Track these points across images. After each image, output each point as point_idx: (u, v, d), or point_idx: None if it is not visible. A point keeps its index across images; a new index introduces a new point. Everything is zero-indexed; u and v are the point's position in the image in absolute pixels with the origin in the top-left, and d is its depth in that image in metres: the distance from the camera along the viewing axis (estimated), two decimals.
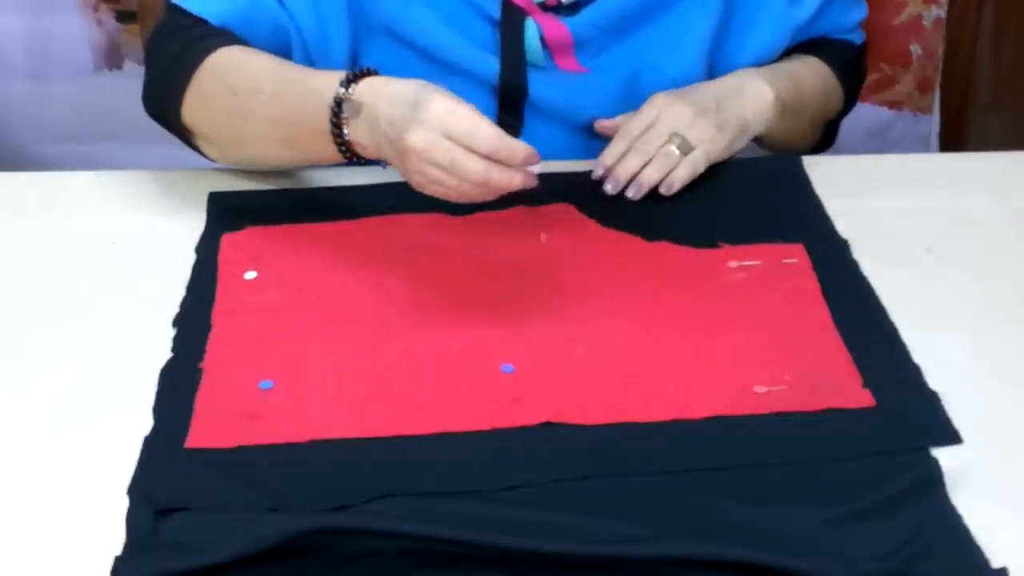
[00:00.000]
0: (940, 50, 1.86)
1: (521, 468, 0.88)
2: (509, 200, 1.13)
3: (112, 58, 1.88)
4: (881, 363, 0.98)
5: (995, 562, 0.81)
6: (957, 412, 0.93)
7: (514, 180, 1.00)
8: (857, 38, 1.38)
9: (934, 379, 0.96)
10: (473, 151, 0.98)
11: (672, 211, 1.17)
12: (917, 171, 1.29)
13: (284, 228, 1.15)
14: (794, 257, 1.11)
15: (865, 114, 1.84)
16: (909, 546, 0.81)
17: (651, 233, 1.13)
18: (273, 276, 1.09)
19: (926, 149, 1.90)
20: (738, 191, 1.21)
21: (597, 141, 1.24)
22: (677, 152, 1.16)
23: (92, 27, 1.86)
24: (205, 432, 0.91)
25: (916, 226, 1.17)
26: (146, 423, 0.93)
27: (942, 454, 0.89)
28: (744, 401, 0.94)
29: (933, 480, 0.87)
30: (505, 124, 1.19)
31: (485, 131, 0.99)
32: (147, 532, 0.83)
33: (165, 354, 1.00)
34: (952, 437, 0.91)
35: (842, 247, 1.13)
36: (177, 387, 0.96)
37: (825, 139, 1.40)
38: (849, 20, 1.36)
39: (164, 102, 1.19)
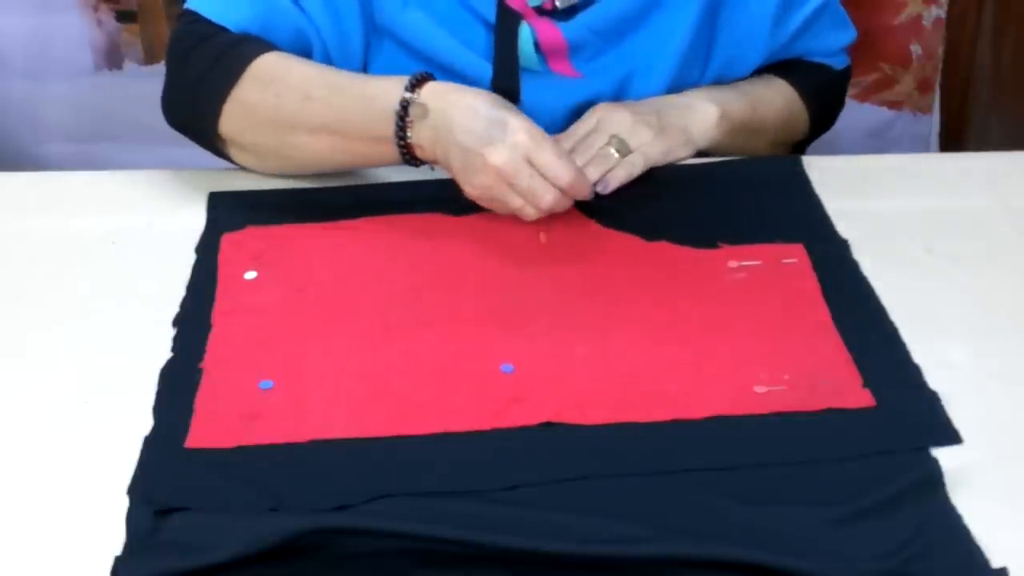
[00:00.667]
0: (940, 50, 1.86)
1: (521, 468, 0.88)
2: None
3: (112, 58, 1.88)
4: (881, 363, 0.98)
5: (995, 562, 0.80)
6: (957, 412, 0.93)
7: (570, 208, 1.11)
8: (838, 63, 1.37)
9: (934, 379, 0.96)
10: (548, 181, 1.07)
11: (672, 211, 1.17)
12: (917, 171, 1.29)
13: (284, 228, 1.15)
14: (794, 257, 1.11)
15: (865, 114, 1.84)
16: (909, 546, 0.81)
17: (651, 233, 1.13)
18: (273, 276, 1.09)
19: (926, 149, 1.90)
20: (738, 191, 1.21)
21: None
22: (616, 154, 1.18)
23: (92, 27, 1.86)
24: (205, 432, 0.91)
25: (916, 226, 1.17)
26: (146, 423, 0.93)
27: (942, 454, 0.89)
28: (744, 401, 0.94)
29: (933, 480, 0.87)
30: None
31: (565, 165, 1.08)
32: (147, 532, 0.83)
33: (165, 354, 1.00)
34: (952, 437, 0.91)
35: (842, 247, 1.13)
36: (177, 387, 0.96)
37: (818, 130, 1.40)
38: (832, 44, 1.35)
39: (196, 112, 1.18)
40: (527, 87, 1.23)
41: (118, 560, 0.80)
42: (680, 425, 0.92)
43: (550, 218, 1.13)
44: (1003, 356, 1.00)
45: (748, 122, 1.28)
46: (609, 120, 1.20)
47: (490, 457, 0.89)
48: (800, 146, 1.39)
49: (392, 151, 1.13)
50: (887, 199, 1.22)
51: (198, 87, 1.18)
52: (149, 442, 0.91)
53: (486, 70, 1.22)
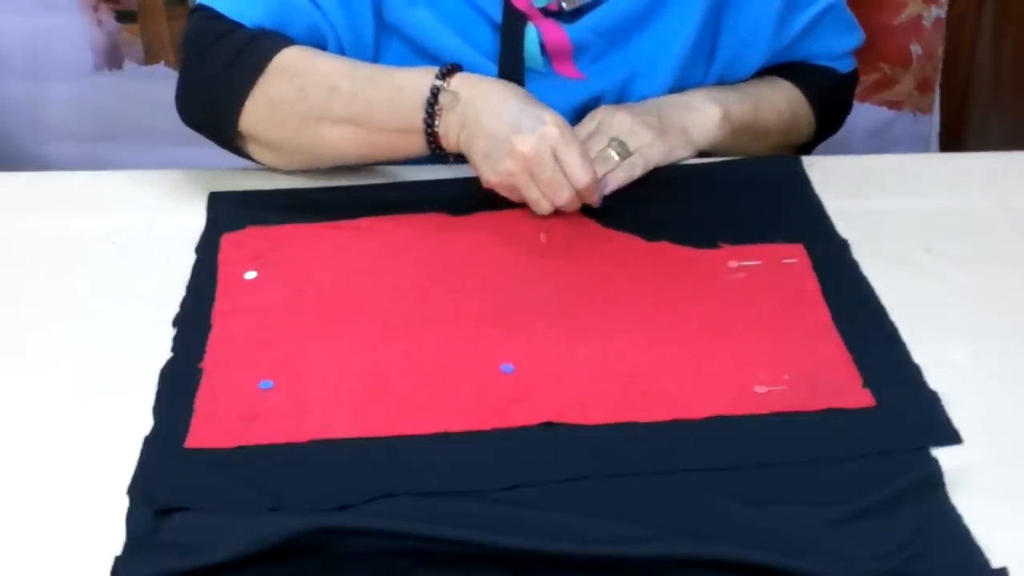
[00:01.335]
0: (940, 50, 1.86)
1: (521, 468, 0.88)
2: (509, 200, 1.14)
3: (112, 58, 1.88)
4: (881, 363, 0.98)
5: (995, 562, 0.80)
6: (957, 412, 0.93)
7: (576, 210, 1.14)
8: (844, 66, 1.37)
9: (934, 379, 0.96)
10: (568, 179, 1.09)
11: (672, 211, 1.17)
12: (917, 171, 1.29)
13: (284, 228, 1.15)
14: (794, 257, 1.11)
15: (865, 114, 1.84)
16: (909, 546, 0.81)
17: (651, 233, 1.13)
18: (273, 276, 1.09)
19: (926, 149, 1.90)
20: (738, 191, 1.21)
21: None
22: (616, 156, 1.18)
23: (92, 27, 1.86)
24: (205, 432, 0.91)
25: (916, 226, 1.17)
26: (146, 423, 0.93)
27: (942, 454, 0.89)
28: (744, 401, 0.94)
29: (933, 480, 0.87)
30: None
31: (588, 168, 1.10)
32: (147, 532, 0.83)
33: (165, 354, 1.00)
34: (952, 437, 0.91)
35: (842, 247, 1.13)
36: (177, 387, 0.96)
37: (823, 132, 1.39)
38: (837, 47, 1.35)
39: (216, 109, 1.18)
40: (530, 87, 1.23)
41: (118, 560, 0.80)
42: (680, 425, 0.92)
43: (551, 218, 1.14)
44: (1003, 356, 1.00)
45: (750, 123, 1.28)
46: (609, 122, 1.20)
47: (490, 457, 0.89)
48: (805, 149, 1.38)
49: (419, 141, 1.14)
50: (887, 199, 1.22)
51: (217, 84, 1.17)
52: (149, 442, 0.91)
53: (491, 70, 1.23)
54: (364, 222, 1.16)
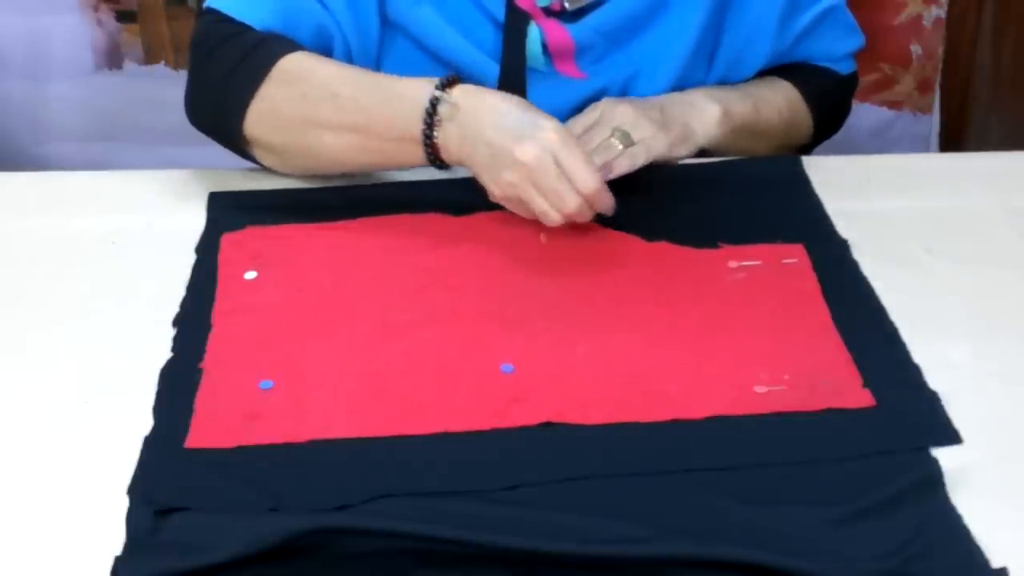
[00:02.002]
0: (940, 50, 1.86)
1: (521, 468, 0.88)
2: None
3: (112, 58, 1.88)
4: (881, 363, 0.98)
5: (995, 562, 0.81)
6: (957, 412, 0.93)
7: (588, 220, 1.10)
8: (844, 68, 1.37)
9: (934, 379, 0.96)
10: (574, 185, 1.06)
11: (672, 211, 1.17)
12: (917, 171, 1.29)
13: (284, 228, 1.15)
14: (794, 257, 1.11)
15: (865, 114, 1.84)
16: (909, 546, 0.81)
17: (651, 233, 1.13)
18: (273, 276, 1.09)
19: (926, 149, 1.90)
20: (738, 191, 1.21)
21: None
22: (619, 145, 1.17)
23: (92, 27, 1.86)
24: (205, 432, 0.91)
25: (916, 226, 1.17)
26: (146, 423, 0.93)
27: (942, 454, 0.89)
28: (744, 401, 0.94)
29: (933, 480, 0.87)
30: None
31: (592, 173, 1.07)
32: (147, 532, 0.83)
33: (165, 354, 1.00)
34: (952, 437, 0.91)
35: (842, 247, 1.13)
36: (177, 387, 0.96)
37: (822, 134, 1.40)
38: (838, 49, 1.35)
39: (222, 112, 1.18)
40: (532, 87, 1.23)
41: (118, 560, 0.80)
42: (680, 425, 0.92)
43: None
44: (1003, 356, 1.00)
45: (750, 122, 1.27)
46: (611, 114, 1.19)
47: (490, 457, 0.89)
48: (804, 150, 1.38)
49: (417, 151, 1.12)
50: (887, 199, 1.22)
51: (222, 88, 1.17)
52: (149, 442, 0.91)
53: (493, 69, 1.23)
54: (364, 222, 1.16)
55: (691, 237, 1.13)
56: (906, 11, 1.83)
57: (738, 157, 1.26)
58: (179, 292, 1.07)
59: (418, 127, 1.11)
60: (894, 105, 1.89)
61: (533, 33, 1.22)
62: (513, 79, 1.23)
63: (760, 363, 0.98)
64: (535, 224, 1.13)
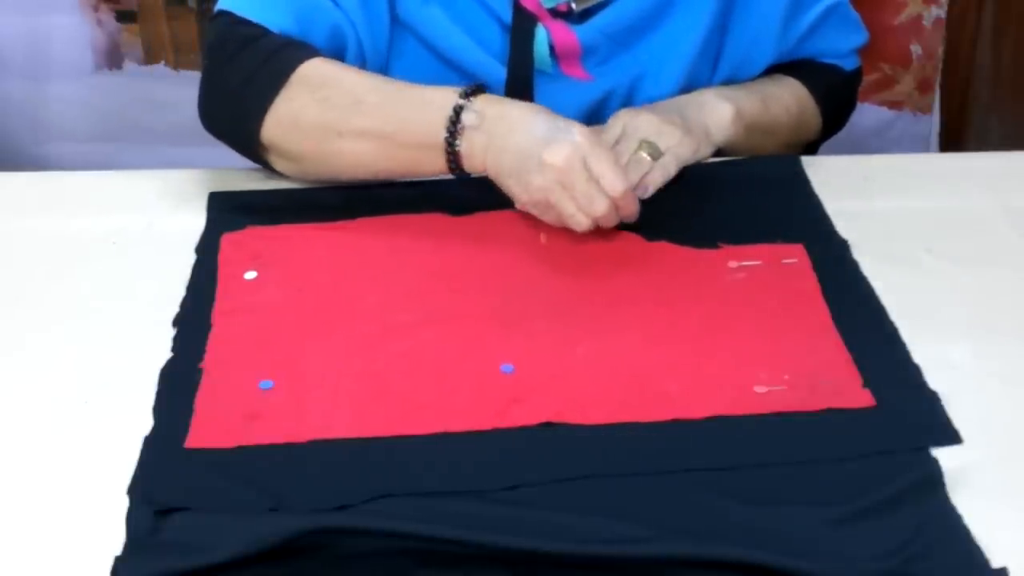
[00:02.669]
0: (940, 50, 1.86)
1: (521, 468, 0.88)
2: (509, 200, 1.13)
3: (112, 58, 1.88)
4: (881, 363, 0.98)
5: (995, 562, 0.81)
6: (957, 412, 0.93)
7: (611, 225, 1.10)
8: (848, 64, 1.37)
9: (934, 379, 0.96)
10: (602, 188, 1.06)
11: (672, 211, 1.17)
12: (917, 171, 1.29)
13: (284, 228, 1.15)
14: (794, 257, 1.11)
15: (865, 114, 1.84)
16: (909, 546, 0.81)
17: (651, 233, 1.13)
18: (273, 276, 1.09)
19: (926, 149, 1.90)
20: (738, 191, 1.21)
21: None
22: (648, 158, 1.16)
23: (92, 27, 1.86)
24: (205, 432, 0.91)
25: (916, 226, 1.17)
26: (146, 423, 0.93)
27: (942, 454, 0.89)
28: (744, 401, 0.94)
29: (933, 480, 0.87)
30: None
31: (620, 176, 1.07)
32: (147, 532, 0.83)
33: (165, 354, 1.00)
34: (952, 437, 0.91)
35: (842, 247, 1.13)
36: (177, 387, 0.96)
37: (829, 130, 1.40)
38: (842, 45, 1.35)
39: (239, 117, 1.16)
40: (539, 89, 1.23)
41: (118, 560, 0.80)
42: (680, 425, 0.92)
43: None
44: (1003, 356, 1.00)
45: (761, 120, 1.27)
46: (635, 125, 1.18)
47: (490, 457, 0.89)
48: (812, 147, 1.39)
49: (439, 159, 1.11)
50: (887, 199, 1.22)
51: (240, 93, 1.16)
52: (149, 442, 0.91)
53: (499, 72, 1.23)
54: (364, 222, 1.16)
55: (691, 237, 1.13)
56: (906, 11, 1.83)
57: (739, 157, 1.26)
58: (179, 292, 1.07)
59: (441, 134, 1.10)
60: (894, 105, 1.89)
61: (540, 35, 1.22)
62: (520, 81, 1.23)
63: (760, 363, 0.98)
64: (535, 224, 1.13)
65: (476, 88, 1.12)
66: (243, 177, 1.24)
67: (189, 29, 1.86)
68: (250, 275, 1.09)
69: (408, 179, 1.18)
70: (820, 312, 1.04)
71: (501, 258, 1.11)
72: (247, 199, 1.21)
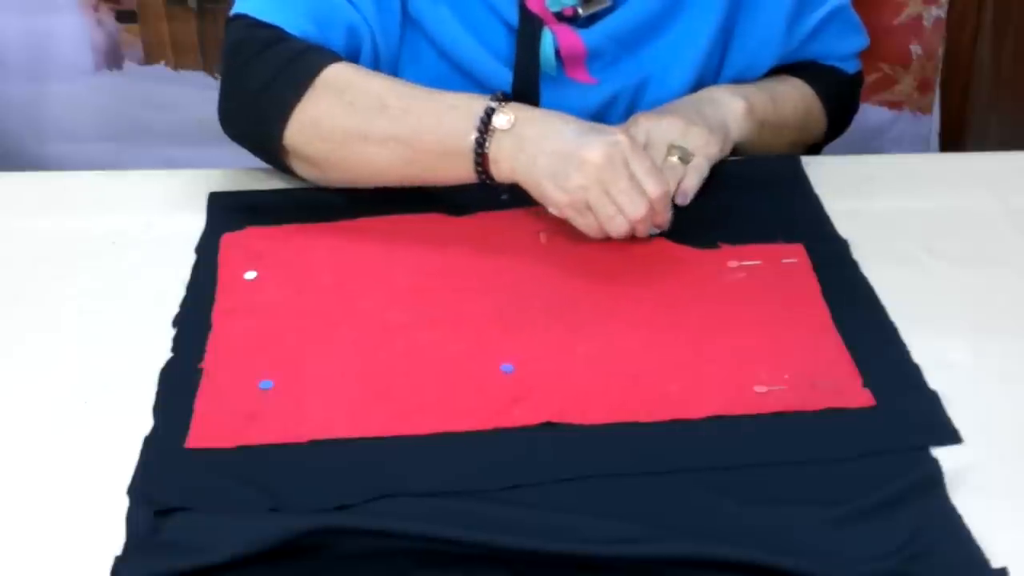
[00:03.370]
0: (940, 50, 1.86)
1: (521, 468, 0.88)
2: (508, 201, 1.14)
3: (112, 58, 1.88)
4: (881, 363, 0.98)
5: (995, 562, 0.81)
6: (957, 412, 0.93)
7: (645, 235, 1.10)
8: (850, 67, 1.37)
9: (934, 379, 0.96)
10: (643, 189, 1.05)
11: (672, 211, 1.17)
12: (917, 171, 1.29)
13: (284, 228, 1.15)
14: (794, 257, 1.11)
15: (865, 114, 1.83)
16: (909, 546, 0.81)
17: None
18: (273, 276, 1.09)
19: (926, 149, 1.90)
20: (738, 191, 1.21)
21: None
22: (680, 163, 1.15)
23: (92, 27, 1.86)
24: (205, 432, 0.91)
25: (916, 226, 1.17)
26: (146, 423, 0.93)
27: (942, 454, 0.89)
28: (744, 401, 0.94)
29: (933, 480, 0.87)
30: None
31: (659, 177, 1.07)
32: (147, 532, 0.83)
33: (165, 354, 1.00)
34: (952, 437, 0.91)
35: (842, 247, 1.13)
36: (177, 387, 0.96)
37: (833, 132, 1.40)
38: (844, 48, 1.36)
39: (261, 122, 1.15)
40: (544, 92, 1.23)
41: (118, 560, 0.80)
42: (680, 425, 0.92)
43: (550, 218, 1.13)
44: (1003, 356, 1.00)
45: (771, 116, 1.27)
46: (659, 130, 1.17)
47: (490, 457, 0.89)
48: (815, 150, 1.39)
49: (465, 164, 1.10)
50: (887, 199, 1.22)
51: (262, 97, 1.14)
52: (149, 442, 0.91)
53: (504, 74, 1.22)
54: (364, 222, 1.16)
55: (691, 237, 1.13)
56: (906, 11, 1.83)
57: (738, 157, 1.26)
58: (179, 292, 1.07)
59: (470, 137, 1.09)
60: (894, 105, 1.89)
61: (546, 38, 1.22)
62: (526, 84, 1.22)
63: (760, 363, 0.98)
64: (535, 224, 1.13)
65: (505, 95, 1.11)
66: (243, 177, 1.24)
67: (189, 29, 1.86)
68: (250, 275, 1.09)
69: (431, 186, 1.16)
70: (820, 312, 1.04)
71: (501, 258, 1.11)
72: (247, 199, 1.21)
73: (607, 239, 1.10)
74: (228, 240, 1.14)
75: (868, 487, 0.86)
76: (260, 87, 1.15)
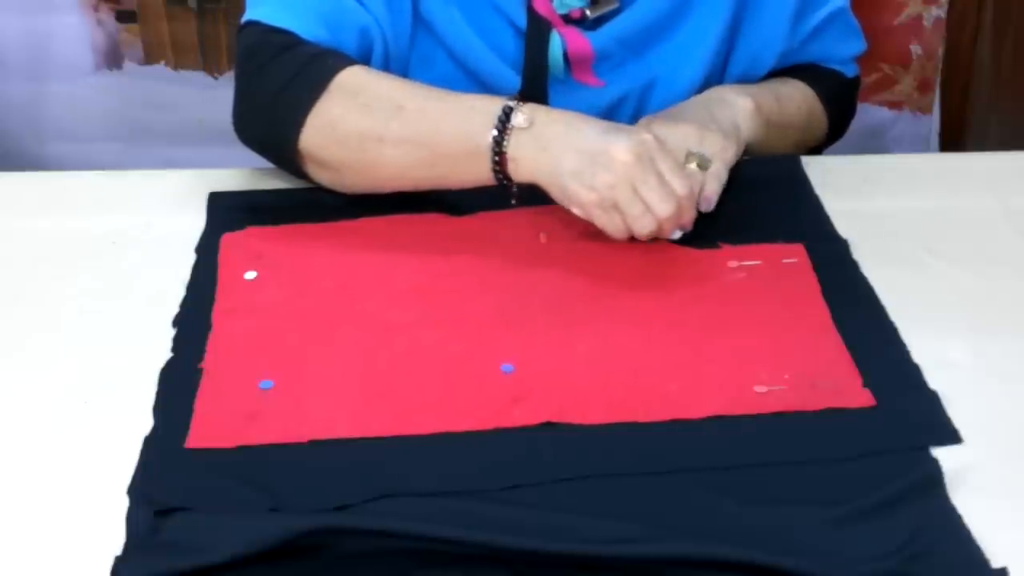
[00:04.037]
0: (940, 50, 1.86)
1: (521, 468, 0.88)
2: (508, 200, 1.13)
3: (112, 58, 1.88)
4: (881, 363, 0.98)
5: (995, 562, 0.81)
6: (957, 412, 0.93)
7: (671, 236, 1.10)
8: (849, 71, 1.38)
9: (934, 379, 0.96)
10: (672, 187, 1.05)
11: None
12: (917, 171, 1.29)
13: (284, 228, 1.15)
14: (794, 257, 1.11)
15: (865, 114, 1.84)
16: (909, 546, 0.81)
17: None
18: (273, 276, 1.09)
19: (926, 149, 1.90)
20: (738, 191, 1.20)
21: None
22: (698, 170, 1.14)
23: (92, 27, 1.86)
24: (205, 432, 0.91)
25: (916, 226, 1.17)
26: (146, 423, 0.93)
27: (942, 454, 0.89)
28: (744, 401, 0.94)
29: (933, 480, 0.87)
30: None
31: (684, 176, 1.07)
32: (147, 532, 0.83)
33: (165, 354, 1.00)
34: (952, 437, 0.91)
35: (842, 247, 1.13)
36: (177, 387, 0.96)
37: (833, 133, 1.40)
38: (843, 51, 1.36)
39: (276, 126, 1.14)
40: (551, 94, 1.23)
41: (118, 560, 0.80)
42: (680, 425, 0.92)
43: (550, 218, 1.13)
44: (1003, 356, 1.00)
45: (776, 117, 1.27)
46: (674, 137, 1.15)
47: (490, 457, 0.89)
48: (816, 152, 1.39)
49: (483, 165, 1.09)
50: (887, 199, 1.22)
51: (278, 101, 1.14)
52: (149, 442, 0.91)
53: (512, 76, 1.22)
54: (364, 222, 1.16)
55: (691, 237, 1.13)
56: (906, 11, 1.83)
57: (745, 158, 1.26)
58: (179, 292, 1.08)
59: (488, 136, 1.07)
60: (894, 105, 1.89)
61: (555, 41, 1.22)
62: (535, 86, 1.22)
63: (760, 363, 0.98)
64: (535, 224, 1.13)
65: (523, 96, 1.11)
66: (243, 177, 1.24)
67: (189, 29, 1.86)
68: (250, 275, 1.09)
69: (448, 189, 1.15)
70: (820, 312, 1.04)
71: (501, 258, 1.11)
72: (247, 199, 1.21)
73: (630, 239, 1.09)
74: (228, 240, 1.14)
75: (868, 487, 0.86)
76: (275, 92, 1.14)
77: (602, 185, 1.05)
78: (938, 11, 1.83)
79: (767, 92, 1.28)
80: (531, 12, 1.22)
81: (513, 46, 1.23)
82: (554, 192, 1.08)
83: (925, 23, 1.84)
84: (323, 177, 1.17)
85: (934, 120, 1.90)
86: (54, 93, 1.89)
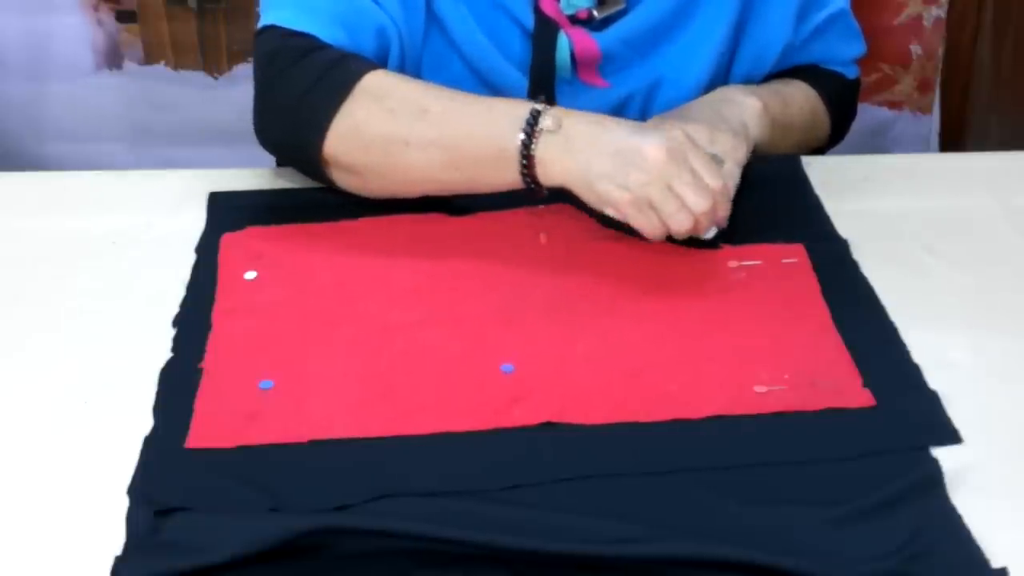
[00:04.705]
0: (940, 50, 1.86)
1: (521, 468, 0.88)
2: (509, 200, 1.13)
3: (112, 58, 1.88)
4: (881, 363, 0.98)
5: (995, 562, 0.81)
6: (957, 412, 0.93)
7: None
8: (850, 73, 1.38)
9: (934, 379, 0.96)
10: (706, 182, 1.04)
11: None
12: (917, 171, 1.29)
13: (284, 228, 1.15)
14: (794, 257, 1.11)
15: (865, 114, 1.84)
16: (909, 546, 0.81)
17: None
18: (273, 276, 1.09)
19: (926, 149, 1.90)
20: (738, 191, 1.20)
21: None
22: None
23: (92, 27, 1.86)
24: (205, 432, 0.91)
25: (916, 226, 1.17)
26: (146, 423, 0.93)
27: (942, 454, 0.89)
28: (744, 401, 0.94)
29: (933, 480, 0.87)
30: None
31: (717, 171, 1.05)
32: (147, 532, 0.83)
33: (165, 354, 1.00)
34: (952, 437, 0.91)
35: (842, 247, 1.13)
36: (177, 387, 0.96)
37: (835, 135, 1.40)
38: (844, 53, 1.36)
39: (300, 131, 1.13)
40: (558, 94, 1.23)
41: (118, 560, 0.80)
42: (680, 425, 0.92)
43: (550, 218, 1.13)
44: (1002, 355, 1.00)
45: (781, 117, 1.27)
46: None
47: (490, 457, 0.89)
48: (820, 152, 1.39)
49: (510, 168, 1.07)
50: (887, 199, 1.22)
51: (301, 105, 1.13)
52: (149, 442, 0.91)
53: (517, 77, 1.22)
54: (364, 222, 1.16)
55: (691, 237, 1.12)
56: (906, 11, 1.84)
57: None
58: (179, 292, 1.08)
59: (517, 139, 1.06)
60: (894, 105, 1.89)
61: (562, 43, 1.22)
62: (542, 87, 1.22)
63: (760, 363, 0.98)
64: (535, 224, 1.13)
65: (549, 100, 1.10)
66: (243, 177, 1.24)
67: (189, 29, 1.86)
68: (250, 275, 1.09)
69: (473, 193, 1.13)
70: (820, 312, 1.04)
71: (501, 258, 1.11)
72: (247, 199, 1.21)
73: (657, 240, 1.08)
74: (228, 240, 1.14)
75: (868, 487, 0.86)
76: (298, 96, 1.13)
77: (635, 184, 1.03)
78: (938, 11, 1.83)
79: (772, 92, 1.28)
80: (538, 13, 1.21)
81: (520, 47, 1.23)
82: (585, 194, 1.07)
83: (925, 23, 1.84)
84: (346, 182, 1.16)
85: (934, 120, 1.91)
86: (54, 93, 1.89)
